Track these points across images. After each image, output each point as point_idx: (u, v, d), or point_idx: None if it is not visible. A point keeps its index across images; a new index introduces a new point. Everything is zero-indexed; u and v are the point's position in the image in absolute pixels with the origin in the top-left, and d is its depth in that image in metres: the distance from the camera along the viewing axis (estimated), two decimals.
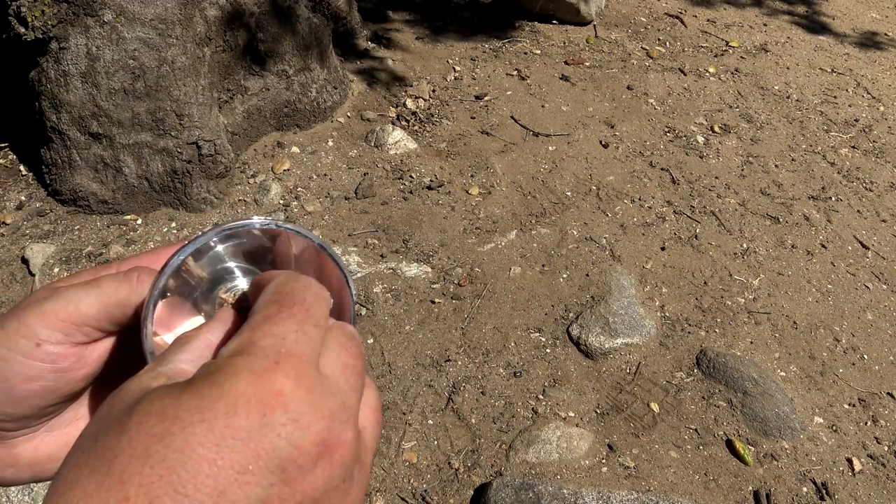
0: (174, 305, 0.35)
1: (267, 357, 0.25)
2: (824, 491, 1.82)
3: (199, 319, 0.37)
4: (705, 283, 2.41)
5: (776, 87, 3.62)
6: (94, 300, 0.34)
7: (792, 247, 2.62)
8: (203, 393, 0.24)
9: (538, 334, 2.16)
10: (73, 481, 0.23)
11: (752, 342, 2.21)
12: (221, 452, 0.23)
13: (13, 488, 1.52)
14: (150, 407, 0.24)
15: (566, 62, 3.60)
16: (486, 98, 3.24)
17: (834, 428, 1.99)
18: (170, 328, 0.35)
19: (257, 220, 0.36)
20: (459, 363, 2.04)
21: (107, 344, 0.36)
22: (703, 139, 3.16)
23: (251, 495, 0.23)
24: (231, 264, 0.37)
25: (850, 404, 2.06)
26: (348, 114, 3.04)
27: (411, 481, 1.76)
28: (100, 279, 0.35)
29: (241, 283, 0.38)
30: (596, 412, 1.96)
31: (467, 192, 2.68)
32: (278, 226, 0.36)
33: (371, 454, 0.30)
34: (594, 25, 3.95)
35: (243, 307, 0.34)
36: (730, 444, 1.89)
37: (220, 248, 0.36)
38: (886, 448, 1.95)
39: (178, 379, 0.27)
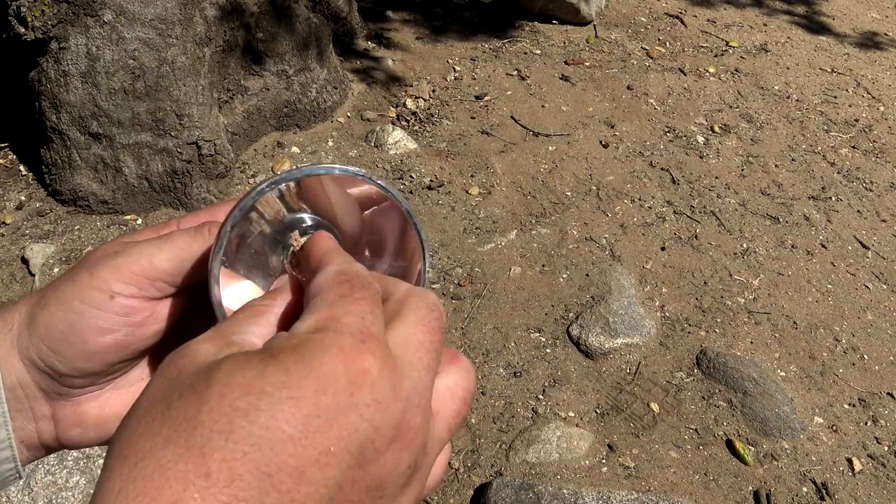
0: (238, 257, 0.34)
1: (353, 335, 0.25)
2: (824, 491, 1.82)
3: (258, 281, 0.35)
4: (705, 283, 2.41)
5: (776, 87, 3.63)
6: (167, 255, 0.34)
7: (792, 247, 2.62)
8: (290, 368, 0.23)
9: (538, 334, 2.16)
10: (146, 450, 0.22)
11: (752, 342, 2.21)
12: (307, 432, 0.22)
13: (13, 488, 1.52)
14: (231, 378, 0.23)
15: (566, 62, 3.60)
16: (486, 98, 3.24)
17: (834, 428, 1.99)
18: (234, 280, 0.34)
19: (337, 166, 0.34)
20: None
21: (177, 301, 0.36)
22: (703, 139, 3.16)
23: (329, 477, 0.22)
24: (299, 214, 0.36)
25: (850, 404, 2.06)
26: (348, 114, 3.05)
27: None
28: (172, 234, 0.35)
29: (311, 228, 0.36)
30: (596, 412, 1.96)
31: (467, 192, 2.68)
32: (357, 173, 0.35)
33: (439, 444, 0.28)
34: (594, 25, 3.95)
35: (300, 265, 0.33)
36: (730, 444, 1.89)
37: (288, 193, 0.35)
38: (886, 448, 1.95)
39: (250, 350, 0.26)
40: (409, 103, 3.14)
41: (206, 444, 0.21)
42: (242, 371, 0.23)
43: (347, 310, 0.26)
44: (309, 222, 0.36)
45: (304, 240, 0.35)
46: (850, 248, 2.66)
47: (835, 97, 3.61)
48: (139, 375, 0.38)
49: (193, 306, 0.38)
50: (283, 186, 0.34)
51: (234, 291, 0.35)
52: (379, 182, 0.35)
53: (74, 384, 0.34)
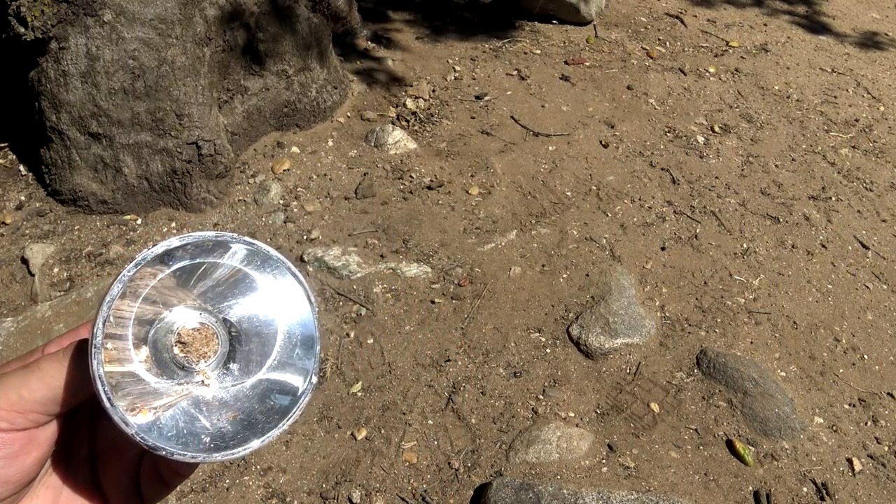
0: (115, 345, 0.33)
1: None
2: (824, 491, 1.82)
3: (143, 352, 0.35)
4: (705, 283, 2.41)
5: (776, 87, 3.62)
6: (36, 385, 0.32)
7: (792, 247, 2.62)
8: None
9: (538, 334, 2.16)
10: None
11: (752, 342, 2.21)
12: None
13: None
14: None
15: (566, 62, 3.60)
16: (486, 98, 3.24)
17: (834, 428, 1.99)
18: (120, 364, 0.33)
19: (200, 234, 0.34)
20: (459, 363, 2.04)
21: (59, 420, 0.34)
22: (703, 139, 3.15)
23: None
24: (151, 301, 0.35)
25: (850, 404, 2.06)
26: (348, 114, 3.04)
27: (411, 481, 1.76)
28: (38, 361, 0.33)
29: (177, 318, 0.36)
30: (596, 412, 1.96)
31: (467, 192, 2.68)
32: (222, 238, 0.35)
33: None
34: (594, 25, 3.95)
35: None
36: (730, 444, 1.89)
37: (148, 279, 0.34)
38: (886, 448, 1.95)
39: None
40: (409, 103, 3.14)
41: None
42: None
43: None
44: (163, 309, 0.36)
45: (191, 327, 0.36)
46: (850, 248, 2.66)
47: (835, 97, 3.61)
48: (43, 485, 0.36)
49: (81, 414, 0.36)
50: (137, 279, 0.34)
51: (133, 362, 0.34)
52: (230, 237, 0.35)
53: None
